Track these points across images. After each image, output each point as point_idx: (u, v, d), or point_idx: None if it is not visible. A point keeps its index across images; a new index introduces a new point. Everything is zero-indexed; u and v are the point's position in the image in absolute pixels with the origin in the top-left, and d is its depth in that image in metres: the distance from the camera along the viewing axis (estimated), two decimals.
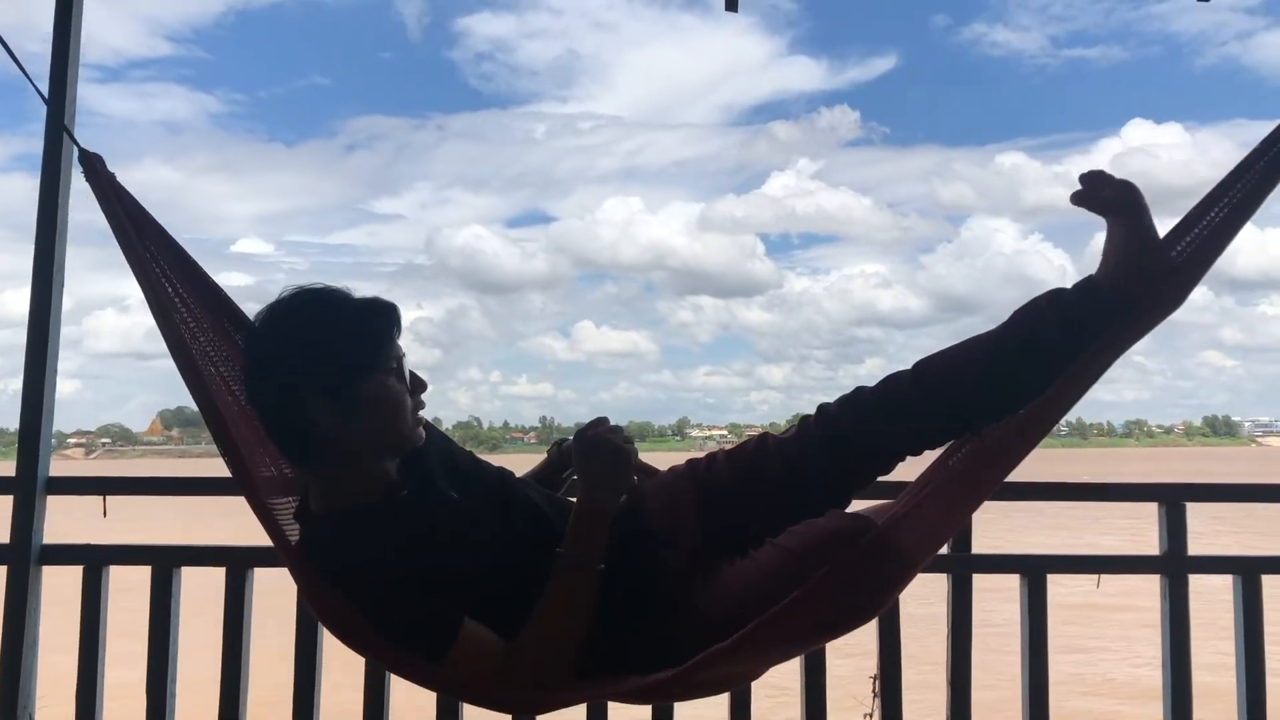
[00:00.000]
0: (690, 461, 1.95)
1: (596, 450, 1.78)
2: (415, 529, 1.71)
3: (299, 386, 1.70)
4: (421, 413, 1.81)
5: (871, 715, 2.66)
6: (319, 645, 2.49)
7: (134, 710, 2.50)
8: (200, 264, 2.06)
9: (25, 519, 2.44)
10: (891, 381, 1.84)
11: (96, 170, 2.05)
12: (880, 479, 1.88)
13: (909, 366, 1.86)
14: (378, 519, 1.71)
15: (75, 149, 2.15)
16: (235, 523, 2.35)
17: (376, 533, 1.69)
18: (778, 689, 2.56)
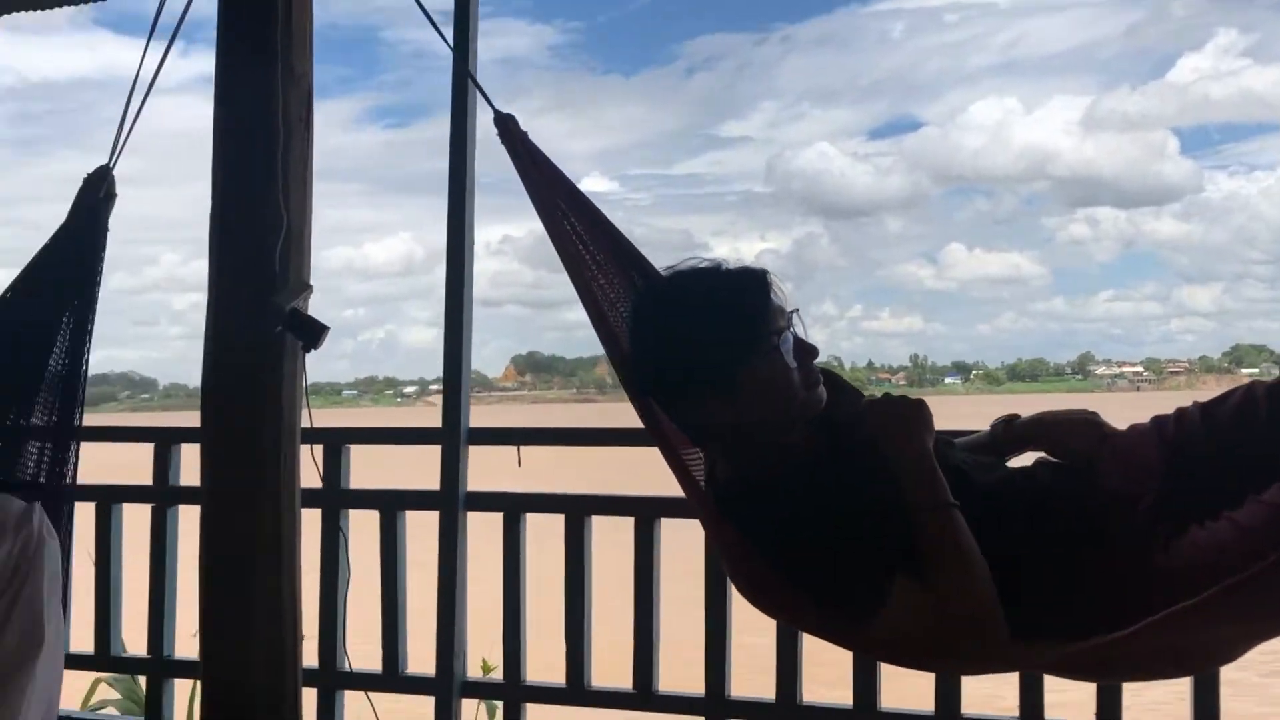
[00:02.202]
0: (1156, 418, 1.87)
1: (885, 408, 1.84)
2: (831, 488, 1.75)
3: (679, 380, 1.83)
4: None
5: None
6: (729, 597, 2.62)
7: (553, 650, 2.78)
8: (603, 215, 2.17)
9: (452, 468, 2.75)
10: None
11: (510, 130, 2.18)
12: None
13: None
14: (787, 486, 1.76)
15: (479, 96, 2.32)
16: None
17: (789, 499, 1.75)
18: None
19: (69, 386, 2.28)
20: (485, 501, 2.81)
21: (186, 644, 3.21)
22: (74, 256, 2.35)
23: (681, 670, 2.83)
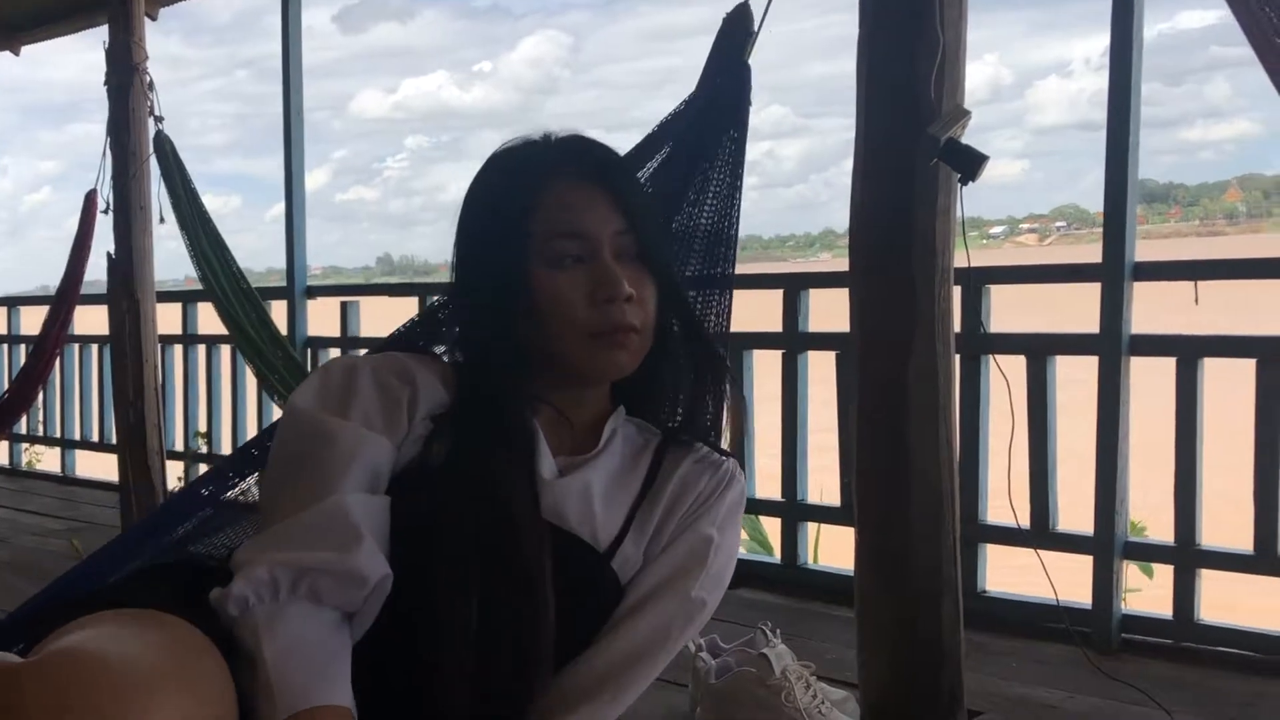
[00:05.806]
0: None
1: None
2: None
3: None
4: None
5: None
6: None
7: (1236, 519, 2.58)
8: None
9: (1114, 308, 2.60)
10: None
11: None
12: None
13: None
14: None
15: None
16: None
17: None
18: None
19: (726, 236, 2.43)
20: (1153, 345, 2.64)
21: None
22: (719, 97, 2.50)
23: None
